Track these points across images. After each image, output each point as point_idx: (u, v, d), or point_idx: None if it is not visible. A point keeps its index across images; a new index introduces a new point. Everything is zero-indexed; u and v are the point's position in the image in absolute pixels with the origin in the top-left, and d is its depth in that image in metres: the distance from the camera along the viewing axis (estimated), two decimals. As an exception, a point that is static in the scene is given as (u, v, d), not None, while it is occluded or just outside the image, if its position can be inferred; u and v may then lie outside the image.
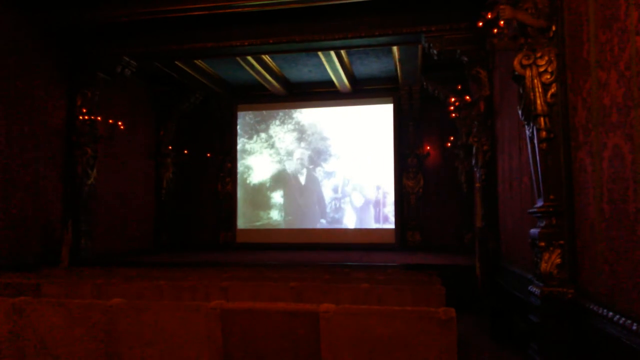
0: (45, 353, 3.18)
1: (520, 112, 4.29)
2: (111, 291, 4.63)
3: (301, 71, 12.51)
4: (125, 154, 11.75)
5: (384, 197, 13.23)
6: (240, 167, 14.16)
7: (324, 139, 13.76)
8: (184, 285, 4.76)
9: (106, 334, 3.13)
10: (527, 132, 4.30)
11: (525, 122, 4.26)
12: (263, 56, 11.21)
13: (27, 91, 8.61)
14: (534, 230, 4.19)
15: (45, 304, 3.26)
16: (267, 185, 14.03)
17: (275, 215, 13.94)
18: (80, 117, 9.49)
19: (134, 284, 4.87)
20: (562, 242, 3.93)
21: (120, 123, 10.31)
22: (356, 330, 2.82)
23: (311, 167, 13.80)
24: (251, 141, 14.24)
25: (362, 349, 2.80)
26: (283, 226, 13.83)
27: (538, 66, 4.03)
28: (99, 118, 9.74)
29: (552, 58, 4.01)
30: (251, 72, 11.82)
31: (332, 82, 12.62)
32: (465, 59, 8.45)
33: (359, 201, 13.34)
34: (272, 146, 14.11)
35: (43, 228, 8.88)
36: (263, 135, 14.19)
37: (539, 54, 4.04)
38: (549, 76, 4.02)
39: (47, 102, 9.10)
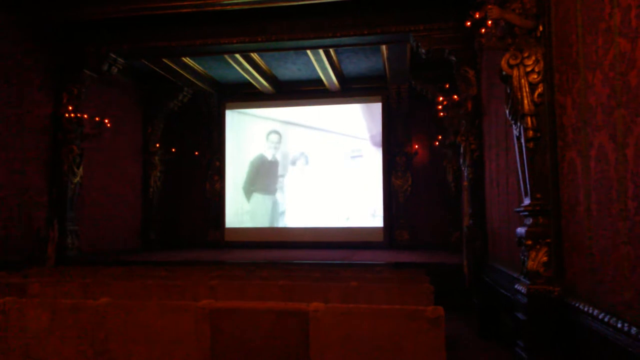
0: (32, 354, 3.14)
1: (507, 111, 4.32)
2: (98, 291, 4.59)
3: (290, 69, 12.49)
4: (112, 152, 11.65)
5: (373, 196, 13.25)
6: (228, 166, 14.10)
7: (312, 137, 13.75)
8: (172, 284, 4.73)
9: (94, 334, 3.10)
10: (514, 132, 4.33)
11: (513, 122, 4.29)
12: (252, 54, 11.17)
13: (13, 88, 8.50)
14: (520, 229, 4.22)
15: (31, 304, 3.22)
16: (256, 183, 14.00)
17: (263, 214, 13.90)
18: (67, 115, 9.38)
19: (121, 283, 4.84)
20: (548, 240, 3.97)
21: (107, 121, 10.21)
22: (345, 329, 2.83)
23: (299, 165, 13.80)
24: (240, 139, 14.18)
25: (351, 347, 2.82)
26: (272, 225, 13.81)
27: (525, 66, 4.07)
28: (85, 116, 9.64)
29: (539, 58, 4.04)
30: (240, 70, 11.78)
31: (320, 80, 12.62)
32: (453, 58, 8.49)
33: (347, 200, 13.35)
34: (260, 145, 14.07)
35: (29, 227, 8.77)
36: (251, 133, 14.15)
37: (526, 54, 4.07)
38: (536, 76, 4.05)
39: (33, 99, 8.99)
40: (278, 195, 13.87)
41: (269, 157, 14.00)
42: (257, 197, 13.96)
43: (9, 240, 8.32)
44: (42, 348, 3.14)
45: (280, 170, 13.91)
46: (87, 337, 3.11)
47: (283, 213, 13.79)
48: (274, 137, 14.01)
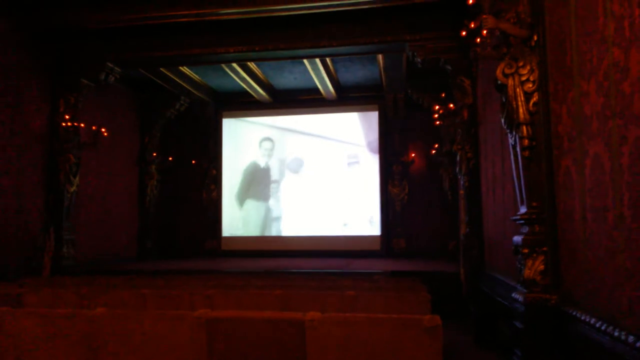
0: (27, 364, 3.12)
1: (502, 120, 4.34)
2: (94, 300, 4.56)
3: (287, 78, 12.53)
4: (109, 161, 11.63)
5: (369, 204, 13.26)
6: (225, 175, 14.10)
7: (309, 146, 13.77)
8: (169, 293, 4.71)
9: (90, 345, 3.08)
10: (510, 140, 4.35)
11: (508, 130, 4.31)
12: (249, 64, 11.21)
13: (9, 96, 8.49)
14: (517, 237, 4.23)
15: (27, 314, 3.20)
16: (252, 192, 13.98)
17: (256, 220, 13.88)
18: (63, 124, 9.37)
19: (117, 292, 4.81)
20: (545, 248, 3.97)
21: (103, 129, 10.20)
22: (342, 339, 2.82)
23: (296, 174, 13.80)
24: (237, 148, 14.19)
25: (348, 357, 2.81)
26: (264, 231, 13.79)
27: (520, 75, 4.09)
28: (82, 124, 9.64)
29: (534, 67, 4.07)
30: (237, 79, 11.81)
31: (317, 89, 12.66)
32: (449, 67, 8.54)
33: (344, 208, 13.34)
34: (256, 153, 14.08)
35: (24, 236, 8.73)
36: (248, 141, 14.16)
37: (521, 63, 4.10)
38: (531, 85, 4.07)
39: (29, 108, 8.98)
40: (271, 202, 13.85)
41: (262, 164, 14.01)
42: (250, 203, 13.94)
43: (5, 249, 8.27)
44: (38, 358, 3.11)
45: (273, 177, 13.90)
46: (83, 347, 3.09)
47: (277, 219, 13.76)
48: (266, 144, 14.03)
